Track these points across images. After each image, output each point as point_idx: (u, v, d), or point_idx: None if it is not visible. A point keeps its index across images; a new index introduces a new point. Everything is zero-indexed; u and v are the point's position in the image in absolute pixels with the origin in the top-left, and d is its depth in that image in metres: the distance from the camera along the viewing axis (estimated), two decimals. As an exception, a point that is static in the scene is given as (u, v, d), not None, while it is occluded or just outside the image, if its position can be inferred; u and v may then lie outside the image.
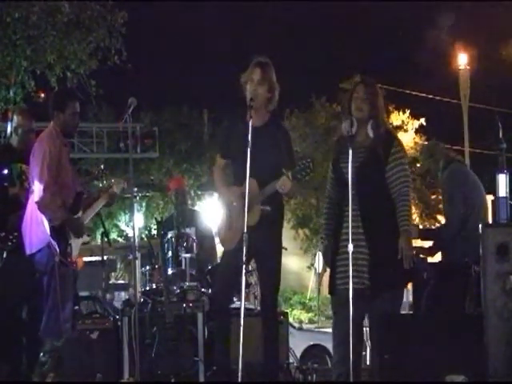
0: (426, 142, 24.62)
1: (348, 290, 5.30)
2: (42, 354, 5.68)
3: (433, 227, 18.46)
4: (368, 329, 5.76)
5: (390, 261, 5.45)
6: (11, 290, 6.55)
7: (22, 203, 6.45)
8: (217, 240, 8.47)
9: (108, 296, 9.04)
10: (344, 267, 5.48)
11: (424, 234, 7.10)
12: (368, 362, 6.80)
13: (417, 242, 6.35)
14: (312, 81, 24.78)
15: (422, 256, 6.68)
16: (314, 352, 10.66)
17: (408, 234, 5.49)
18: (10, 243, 6.51)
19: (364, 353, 6.30)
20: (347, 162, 5.37)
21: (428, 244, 6.88)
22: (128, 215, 21.89)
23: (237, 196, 5.70)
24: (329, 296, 5.80)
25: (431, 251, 6.79)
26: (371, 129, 5.54)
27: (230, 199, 5.81)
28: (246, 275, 5.27)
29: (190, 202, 15.07)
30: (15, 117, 6.84)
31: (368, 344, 5.97)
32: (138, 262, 7.15)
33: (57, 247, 5.97)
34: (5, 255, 6.52)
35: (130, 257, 7.22)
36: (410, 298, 7.83)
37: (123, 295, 11.49)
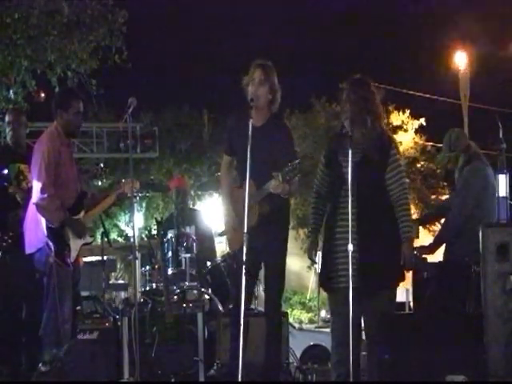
0: (427, 142, 24.71)
1: (344, 288, 5.33)
2: (41, 364, 5.60)
3: (431, 210, 18.29)
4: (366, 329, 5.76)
5: (384, 260, 5.47)
6: (9, 290, 6.56)
7: (19, 203, 6.48)
8: (217, 240, 8.51)
9: (108, 296, 9.05)
10: (339, 266, 5.50)
11: (424, 221, 7.12)
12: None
13: (416, 242, 6.36)
14: (312, 81, 24.78)
15: (422, 256, 6.68)
16: (314, 352, 10.67)
17: (411, 241, 5.53)
18: (4, 243, 6.52)
19: (364, 353, 6.29)
20: (346, 159, 5.39)
21: (428, 242, 6.87)
22: (128, 215, 21.88)
23: (238, 198, 5.72)
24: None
25: (431, 249, 6.78)
26: (365, 129, 5.56)
27: (232, 203, 5.84)
28: (245, 275, 5.26)
29: (190, 202, 15.09)
30: (7, 116, 6.91)
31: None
32: (137, 262, 7.15)
33: (52, 248, 5.97)
34: (0, 255, 6.53)
35: (130, 257, 7.22)
36: (410, 298, 7.83)
37: (123, 295, 11.49)
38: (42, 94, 13.17)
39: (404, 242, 5.51)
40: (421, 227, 7.14)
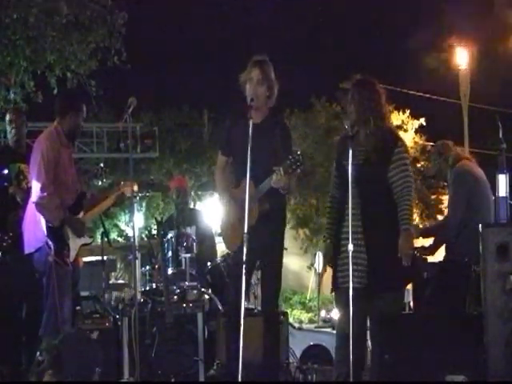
0: (427, 142, 24.72)
1: (348, 288, 5.31)
2: (38, 353, 5.65)
3: (433, 223, 18.41)
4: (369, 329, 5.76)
5: (390, 261, 5.46)
6: (9, 290, 6.56)
7: (18, 203, 6.48)
8: (217, 239, 8.50)
9: (108, 296, 9.05)
10: (343, 266, 5.50)
11: (425, 233, 7.14)
12: (368, 362, 6.81)
13: (417, 242, 6.36)
14: (312, 81, 24.77)
15: (422, 256, 6.69)
16: (314, 352, 10.64)
17: (408, 233, 5.50)
18: (4, 244, 6.52)
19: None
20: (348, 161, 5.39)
21: (429, 243, 6.89)
22: (128, 215, 21.86)
23: (236, 199, 5.72)
24: (329, 296, 5.82)
25: (431, 250, 6.80)
26: (369, 130, 5.56)
27: (230, 203, 5.84)
28: (245, 275, 5.26)
29: (191, 202, 15.09)
30: (8, 115, 6.92)
31: (368, 344, 5.97)
32: (138, 262, 7.15)
33: (52, 247, 5.98)
34: (0, 255, 6.54)
35: (130, 257, 7.22)
36: (410, 298, 7.84)
37: (123, 295, 11.48)
38: (40, 96, 13.17)
39: (401, 233, 5.48)
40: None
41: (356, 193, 5.43)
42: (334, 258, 5.65)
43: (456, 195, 6.64)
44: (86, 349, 6.35)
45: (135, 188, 6.58)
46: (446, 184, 7.16)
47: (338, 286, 5.59)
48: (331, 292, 5.74)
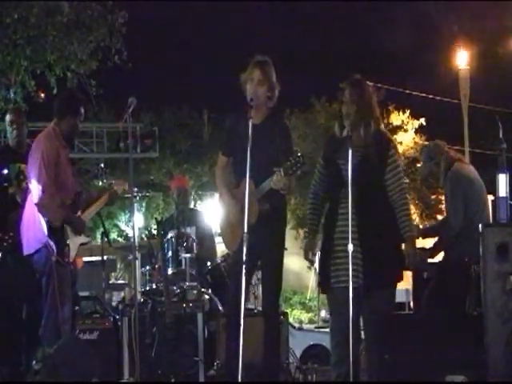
0: (426, 142, 24.72)
1: (343, 288, 5.34)
2: (34, 363, 5.62)
3: (433, 223, 18.40)
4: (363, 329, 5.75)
5: (384, 259, 5.46)
6: (9, 290, 6.56)
7: (18, 203, 6.48)
8: (217, 240, 8.51)
9: (108, 296, 9.06)
10: (338, 265, 5.50)
11: (424, 233, 7.14)
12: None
13: (417, 243, 6.36)
14: (312, 81, 24.78)
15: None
16: (313, 352, 10.66)
17: (414, 240, 5.53)
18: (5, 244, 6.52)
19: (363, 352, 6.30)
20: (345, 160, 5.38)
21: (429, 244, 6.88)
22: (128, 215, 21.87)
23: (236, 198, 5.72)
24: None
25: (432, 252, 6.80)
26: (363, 131, 5.57)
27: (230, 203, 5.83)
28: (245, 275, 5.26)
29: (191, 202, 15.08)
30: (8, 115, 6.92)
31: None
32: (138, 262, 7.15)
33: (54, 247, 5.97)
34: (0, 255, 6.53)
35: (130, 257, 7.22)
36: (410, 298, 7.84)
37: (123, 295, 11.49)
38: (42, 95, 13.17)
39: (407, 241, 5.50)
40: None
41: (351, 192, 5.43)
42: (326, 257, 5.64)
43: (454, 197, 6.63)
44: (83, 356, 6.33)
45: (125, 186, 6.60)
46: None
47: (331, 286, 5.59)
48: (322, 292, 5.76)
